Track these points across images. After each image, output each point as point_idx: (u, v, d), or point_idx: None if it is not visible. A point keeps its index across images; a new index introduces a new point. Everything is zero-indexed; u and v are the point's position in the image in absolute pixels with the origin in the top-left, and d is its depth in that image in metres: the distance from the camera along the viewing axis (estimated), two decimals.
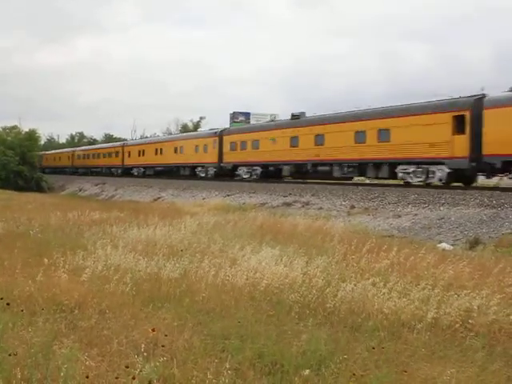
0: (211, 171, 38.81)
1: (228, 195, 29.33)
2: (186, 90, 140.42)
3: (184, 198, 31.49)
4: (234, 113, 69.50)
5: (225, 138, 37.86)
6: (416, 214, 18.53)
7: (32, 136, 56.44)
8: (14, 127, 61.17)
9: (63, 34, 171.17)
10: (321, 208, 22.62)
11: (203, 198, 29.95)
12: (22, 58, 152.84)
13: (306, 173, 30.43)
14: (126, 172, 53.49)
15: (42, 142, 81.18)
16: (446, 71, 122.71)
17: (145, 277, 8.45)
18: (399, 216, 18.85)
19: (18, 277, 7.80)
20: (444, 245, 14.37)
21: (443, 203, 18.88)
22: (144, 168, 50.71)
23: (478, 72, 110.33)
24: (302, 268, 8.84)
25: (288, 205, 24.45)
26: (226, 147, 37.29)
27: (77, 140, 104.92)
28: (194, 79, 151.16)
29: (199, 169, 40.38)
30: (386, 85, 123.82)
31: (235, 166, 36.28)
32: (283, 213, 20.90)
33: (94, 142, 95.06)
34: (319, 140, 28.94)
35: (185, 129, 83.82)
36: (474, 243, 14.26)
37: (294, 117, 32.04)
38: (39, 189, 50.87)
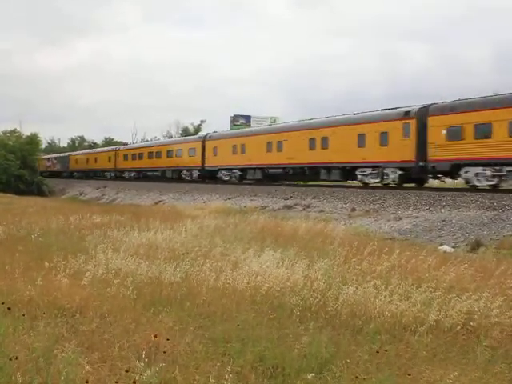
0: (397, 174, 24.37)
1: (229, 198, 29.33)
2: (185, 91, 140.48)
3: (185, 202, 31.48)
4: (234, 116, 69.74)
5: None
6: (417, 217, 18.53)
7: (33, 140, 56.47)
8: (14, 131, 61.18)
9: (63, 35, 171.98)
10: (322, 211, 22.61)
11: (204, 201, 29.94)
12: (21, 59, 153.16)
13: None
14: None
15: (43, 146, 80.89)
16: (447, 72, 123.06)
17: (146, 280, 8.44)
18: (400, 218, 18.84)
19: (19, 281, 7.79)
20: (445, 247, 14.35)
21: (444, 205, 18.87)
22: (284, 169, 31.66)
23: (479, 72, 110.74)
24: (303, 271, 8.83)
25: (289, 208, 24.44)
26: None
27: (77, 144, 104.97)
28: (193, 80, 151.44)
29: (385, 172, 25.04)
30: (386, 85, 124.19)
31: None
32: (284, 216, 20.88)
33: (94, 145, 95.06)
34: None
35: (185, 132, 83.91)
36: (476, 245, 14.25)
37: None
38: (40, 193, 50.87)
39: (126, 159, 53.34)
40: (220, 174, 37.40)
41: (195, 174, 40.56)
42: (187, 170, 41.90)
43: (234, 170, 35.96)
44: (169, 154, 44.77)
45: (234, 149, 35.73)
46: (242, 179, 35.13)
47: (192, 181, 39.57)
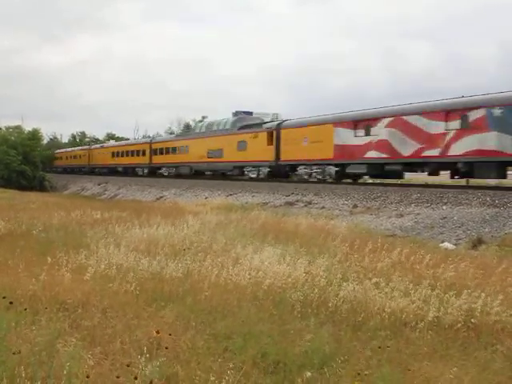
0: None
1: (231, 194, 29.32)
2: (186, 89, 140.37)
3: (186, 198, 31.51)
4: (236, 112, 69.66)
5: None
6: (418, 214, 18.51)
7: (35, 135, 56.58)
8: (18, 127, 61.24)
9: (64, 33, 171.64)
10: (323, 207, 22.61)
11: (206, 198, 29.96)
12: (23, 57, 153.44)
13: None
14: None
15: (45, 142, 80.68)
16: (451, 70, 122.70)
17: (148, 276, 8.47)
18: (402, 215, 18.83)
19: (22, 276, 7.81)
20: (446, 244, 14.35)
21: (446, 202, 18.85)
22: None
23: (484, 71, 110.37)
24: (304, 267, 8.84)
25: (291, 204, 24.44)
26: None
27: (79, 140, 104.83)
28: (194, 78, 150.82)
29: None
30: (389, 84, 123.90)
31: None
32: (286, 212, 20.89)
33: (96, 141, 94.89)
34: None
35: (187, 128, 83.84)
36: (477, 243, 14.24)
37: None
38: (42, 188, 51.04)
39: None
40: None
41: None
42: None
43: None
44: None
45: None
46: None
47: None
